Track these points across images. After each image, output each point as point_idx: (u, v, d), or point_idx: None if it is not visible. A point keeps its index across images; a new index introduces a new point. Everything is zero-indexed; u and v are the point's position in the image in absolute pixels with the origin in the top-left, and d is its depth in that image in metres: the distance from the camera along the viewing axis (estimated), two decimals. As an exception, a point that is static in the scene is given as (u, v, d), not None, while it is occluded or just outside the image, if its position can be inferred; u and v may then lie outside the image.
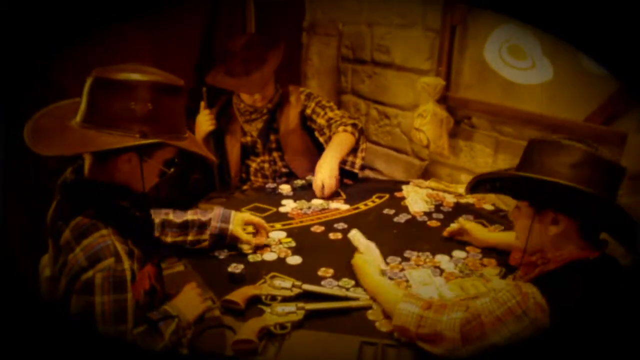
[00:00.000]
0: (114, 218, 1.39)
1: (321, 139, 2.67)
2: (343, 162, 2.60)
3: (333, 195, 2.46)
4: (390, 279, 1.75)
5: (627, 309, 1.22)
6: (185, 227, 1.89)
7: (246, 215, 2.00)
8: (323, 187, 2.42)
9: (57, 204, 1.45)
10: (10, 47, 1.65)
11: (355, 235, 1.87)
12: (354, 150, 2.62)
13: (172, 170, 1.51)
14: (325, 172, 2.44)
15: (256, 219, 2.00)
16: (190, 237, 1.90)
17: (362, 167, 3.51)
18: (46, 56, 2.00)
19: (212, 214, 1.92)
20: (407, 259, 1.90)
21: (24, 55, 1.73)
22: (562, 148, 1.32)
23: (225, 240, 1.93)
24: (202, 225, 1.90)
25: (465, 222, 2.02)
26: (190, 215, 1.91)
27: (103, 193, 1.41)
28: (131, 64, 1.40)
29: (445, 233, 2.05)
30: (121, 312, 1.32)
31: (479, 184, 1.49)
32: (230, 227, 1.91)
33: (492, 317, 1.28)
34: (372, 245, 1.85)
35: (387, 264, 1.86)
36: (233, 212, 1.95)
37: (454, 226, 2.04)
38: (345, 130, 2.56)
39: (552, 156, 1.33)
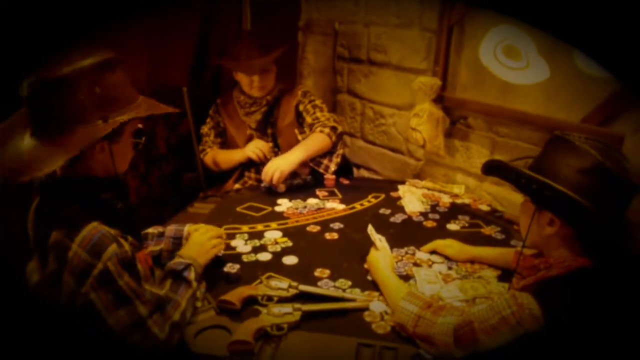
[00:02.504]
0: (98, 211, 1.39)
1: (300, 137, 2.68)
2: (317, 164, 2.65)
3: (280, 187, 2.50)
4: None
5: (626, 323, 1.21)
6: (145, 239, 1.84)
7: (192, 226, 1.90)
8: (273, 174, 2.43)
9: (37, 207, 1.42)
10: (6, 48, 1.62)
11: (373, 231, 1.86)
12: (329, 154, 2.66)
13: (143, 139, 1.51)
14: (282, 162, 2.46)
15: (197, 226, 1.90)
16: (149, 249, 1.82)
17: (358, 166, 3.52)
18: (41, 58, 1.97)
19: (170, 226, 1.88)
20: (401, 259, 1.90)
21: (19, 57, 1.71)
22: (574, 150, 1.29)
23: (182, 241, 1.83)
24: (161, 235, 1.86)
25: (438, 244, 1.95)
26: (150, 229, 1.87)
27: (85, 188, 1.40)
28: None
29: (422, 251, 1.97)
30: (139, 280, 1.39)
31: (492, 169, 1.46)
32: (186, 228, 1.85)
33: (486, 324, 1.29)
34: (385, 243, 1.85)
35: (401, 258, 1.91)
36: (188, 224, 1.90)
37: (429, 246, 1.97)
38: (321, 132, 2.59)
39: (564, 156, 1.31)
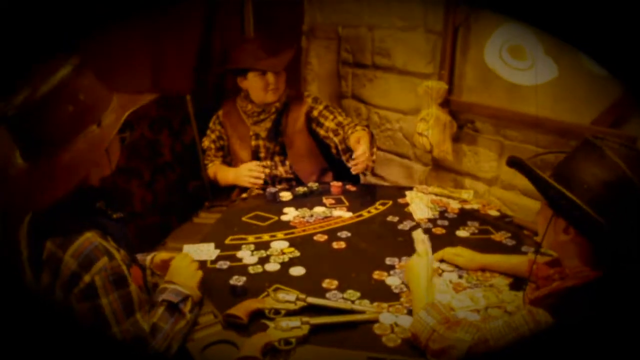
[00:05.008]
0: (93, 221, 1.36)
1: (336, 140, 2.61)
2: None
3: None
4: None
5: None
6: None
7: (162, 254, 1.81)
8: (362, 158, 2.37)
9: (30, 221, 1.34)
10: (5, 48, 1.61)
11: (419, 234, 1.72)
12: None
13: (128, 132, 1.47)
14: (365, 146, 2.38)
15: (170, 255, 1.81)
16: None
17: (364, 173, 3.47)
18: (40, 59, 1.96)
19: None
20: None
21: (18, 57, 1.69)
22: (603, 160, 1.23)
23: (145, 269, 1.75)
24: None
25: (447, 252, 1.90)
26: None
27: (79, 197, 1.36)
28: None
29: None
30: (129, 305, 1.32)
31: (515, 165, 1.41)
32: (149, 257, 1.77)
33: (502, 341, 1.25)
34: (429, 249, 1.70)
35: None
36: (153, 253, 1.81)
37: (438, 254, 1.89)
38: (364, 129, 2.53)
39: (591, 165, 1.25)
